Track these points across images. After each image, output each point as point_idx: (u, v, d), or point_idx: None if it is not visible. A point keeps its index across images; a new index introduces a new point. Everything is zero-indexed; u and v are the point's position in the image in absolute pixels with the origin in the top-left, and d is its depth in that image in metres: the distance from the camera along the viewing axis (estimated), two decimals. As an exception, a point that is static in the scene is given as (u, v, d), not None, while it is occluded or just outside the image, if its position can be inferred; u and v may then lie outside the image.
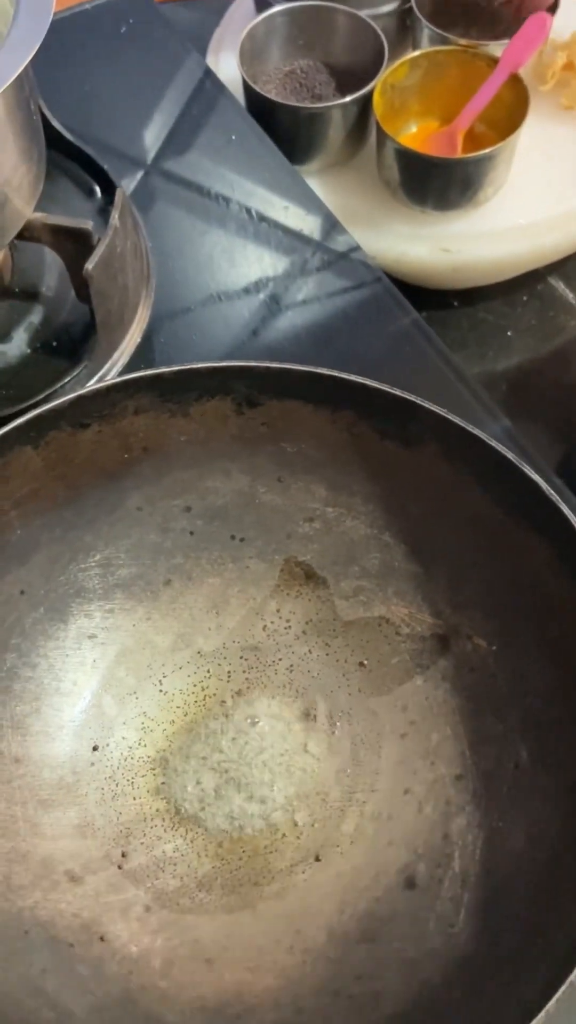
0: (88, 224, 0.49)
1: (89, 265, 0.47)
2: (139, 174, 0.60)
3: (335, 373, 0.39)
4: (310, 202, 0.59)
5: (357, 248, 0.57)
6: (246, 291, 0.57)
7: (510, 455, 0.37)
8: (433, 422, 0.38)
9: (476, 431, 0.38)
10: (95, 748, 0.42)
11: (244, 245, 0.58)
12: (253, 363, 0.39)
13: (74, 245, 0.50)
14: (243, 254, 0.58)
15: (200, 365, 0.39)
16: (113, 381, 0.39)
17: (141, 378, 0.39)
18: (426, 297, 0.73)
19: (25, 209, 0.48)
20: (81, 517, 0.42)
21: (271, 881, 0.39)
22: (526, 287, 0.78)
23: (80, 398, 0.39)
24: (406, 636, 0.43)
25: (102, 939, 0.37)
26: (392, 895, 0.38)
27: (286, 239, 0.58)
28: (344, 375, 0.39)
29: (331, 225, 0.59)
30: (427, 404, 0.38)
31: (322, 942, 0.38)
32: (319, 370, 0.39)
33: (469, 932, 0.36)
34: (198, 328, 0.55)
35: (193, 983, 0.36)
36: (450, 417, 0.38)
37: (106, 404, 0.39)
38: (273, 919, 0.39)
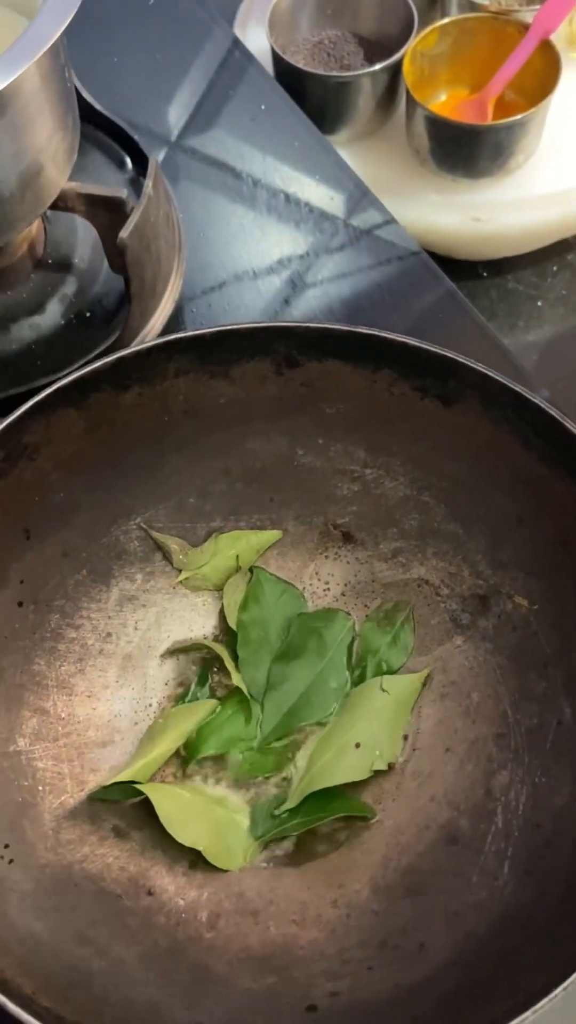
0: (123, 192, 0.49)
1: (124, 233, 0.47)
2: (167, 146, 0.60)
3: (376, 332, 0.39)
4: (342, 172, 0.59)
5: (392, 219, 0.57)
6: (278, 262, 0.56)
7: (553, 411, 0.37)
8: (474, 379, 0.38)
9: (518, 387, 0.38)
10: (138, 709, 0.42)
11: (276, 217, 0.58)
12: (293, 323, 0.40)
13: (108, 214, 0.50)
14: (275, 226, 0.58)
15: (240, 326, 0.39)
16: (154, 342, 0.39)
17: (182, 339, 0.39)
18: (454, 268, 0.73)
19: (60, 178, 0.48)
20: (122, 479, 0.42)
21: (314, 838, 0.40)
22: (556, 257, 0.77)
23: (122, 359, 0.39)
24: (446, 597, 0.43)
25: (150, 893, 0.37)
26: (435, 850, 0.38)
27: (318, 210, 0.58)
28: (385, 334, 0.39)
29: (363, 195, 0.58)
30: (468, 361, 0.38)
31: (366, 897, 0.38)
32: (360, 329, 0.39)
33: (514, 885, 0.36)
34: (230, 299, 0.55)
35: (239, 935, 0.37)
36: (491, 373, 0.38)
37: (147, 365, 0.40)
38: (316, 875, 0.39)
